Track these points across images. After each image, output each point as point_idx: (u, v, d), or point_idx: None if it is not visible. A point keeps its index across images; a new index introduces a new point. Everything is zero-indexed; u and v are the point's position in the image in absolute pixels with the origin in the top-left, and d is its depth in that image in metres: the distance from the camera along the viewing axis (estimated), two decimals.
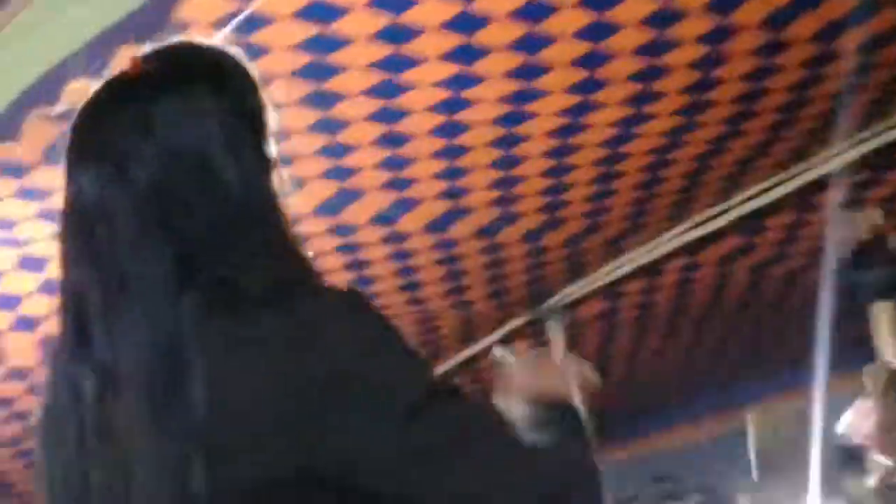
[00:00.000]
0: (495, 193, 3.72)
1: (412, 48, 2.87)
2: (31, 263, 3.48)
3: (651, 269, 4.70)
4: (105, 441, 1.29)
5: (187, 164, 1.28)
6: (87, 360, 1.30)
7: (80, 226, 1.32)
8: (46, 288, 3.54)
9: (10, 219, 3.24)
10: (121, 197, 1.28)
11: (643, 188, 3.91)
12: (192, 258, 1.27)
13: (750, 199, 4.17)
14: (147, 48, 1.37)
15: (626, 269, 4.62)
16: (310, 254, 1.37)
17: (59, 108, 2.00)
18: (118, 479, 1.28)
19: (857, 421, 3.92)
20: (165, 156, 1.28)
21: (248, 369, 1.24)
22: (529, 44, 2.94)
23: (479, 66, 3.00)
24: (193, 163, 1.28)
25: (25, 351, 3.93)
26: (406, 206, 3.66)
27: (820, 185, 4.06)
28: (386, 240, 3.87)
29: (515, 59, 3.00)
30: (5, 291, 3.61)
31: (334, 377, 1.21)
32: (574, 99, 3.24)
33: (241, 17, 2.53)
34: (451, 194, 3.64)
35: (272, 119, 1.37)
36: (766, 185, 4.13)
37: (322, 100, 3.02)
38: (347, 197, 3.53)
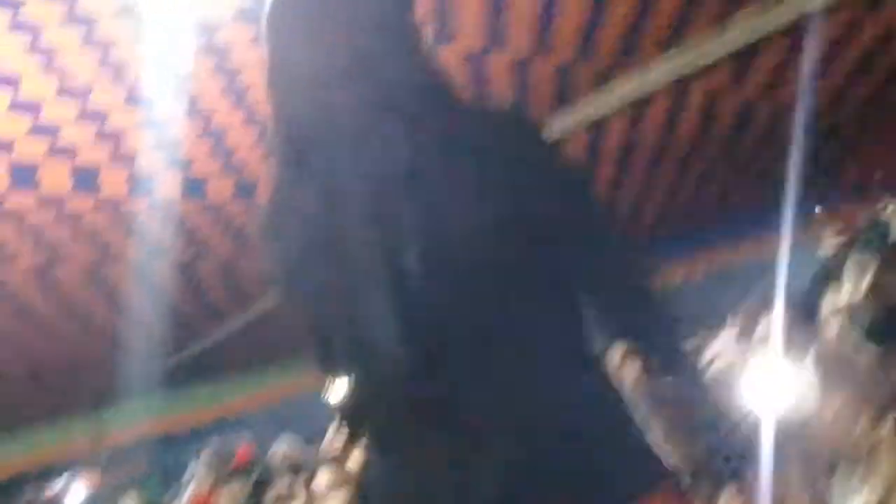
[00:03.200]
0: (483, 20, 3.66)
1: None
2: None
3: (638, 103, 4.67)
4: (329, 248, 1.55)
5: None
6: (310, 183, 1.57)
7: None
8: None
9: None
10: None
11: (635, 16, 3.85)
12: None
13: (740, 33, 4.11)
14: None
15: (614, 101, 4.58)
16: None
17: None
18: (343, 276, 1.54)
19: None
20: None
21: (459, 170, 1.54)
22: None
23: None
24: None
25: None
26: None
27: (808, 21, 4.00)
28: None
29: None
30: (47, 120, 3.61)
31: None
32: None
33: None
34: (435, 17, 3.58)
35: None
36: (757, 20, 4.07)
37: None
38: None
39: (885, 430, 2.86)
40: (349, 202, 1.56)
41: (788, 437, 2.97)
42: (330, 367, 1.62)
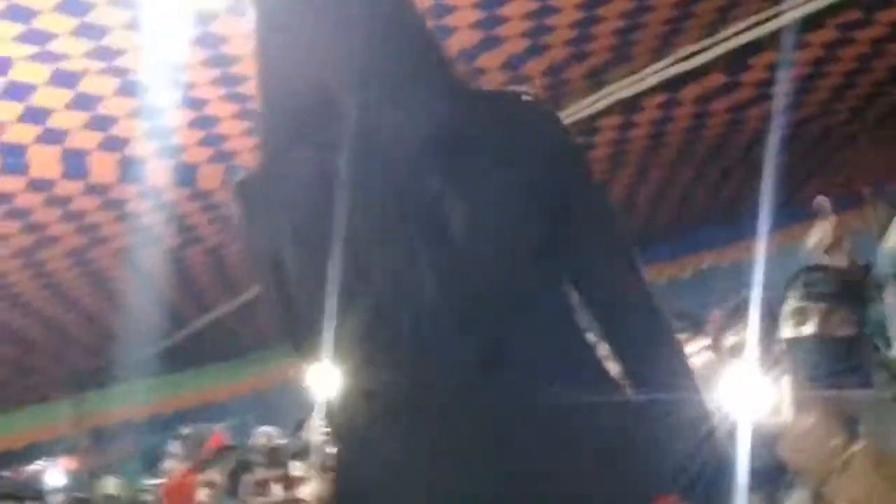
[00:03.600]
0: (478, 15, 3.67)
1: None
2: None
3: (630, 105, 4.69)
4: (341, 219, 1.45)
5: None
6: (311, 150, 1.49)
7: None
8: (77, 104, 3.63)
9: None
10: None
11: (630, 16, 3.86)
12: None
13: (737, 34, 4.13)
14: None
15: (606, 102, 4.59)
16: None
17: None
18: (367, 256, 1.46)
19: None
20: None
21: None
22: None
23: None
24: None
25: (48, 164, 3.98)
26: None
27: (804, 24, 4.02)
28: None
29: None
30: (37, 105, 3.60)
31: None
32: None
33: None
34: (432, 15, 3.59)
35: None
36: (752, 20, 4.09)
37: None
38: None
39: (857, 445, 2.88)
40: (373, 169, 1.47)
41: (761, 448, 2.99)
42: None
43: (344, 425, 1.61)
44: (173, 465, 5.55)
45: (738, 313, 3.34)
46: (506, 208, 1.47)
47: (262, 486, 4.22)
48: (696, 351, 3.86)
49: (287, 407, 7.65)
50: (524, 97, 1.59)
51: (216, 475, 4.83)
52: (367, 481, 1.55)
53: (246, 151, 4.55)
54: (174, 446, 5.55)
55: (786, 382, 2.95)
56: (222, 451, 5.27)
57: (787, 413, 2.92)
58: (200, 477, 4.99)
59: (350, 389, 1.55)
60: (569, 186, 1.54)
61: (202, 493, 4.90)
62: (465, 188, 1.45)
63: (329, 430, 1.66)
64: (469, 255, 1.45)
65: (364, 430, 1.56)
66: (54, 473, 8.76)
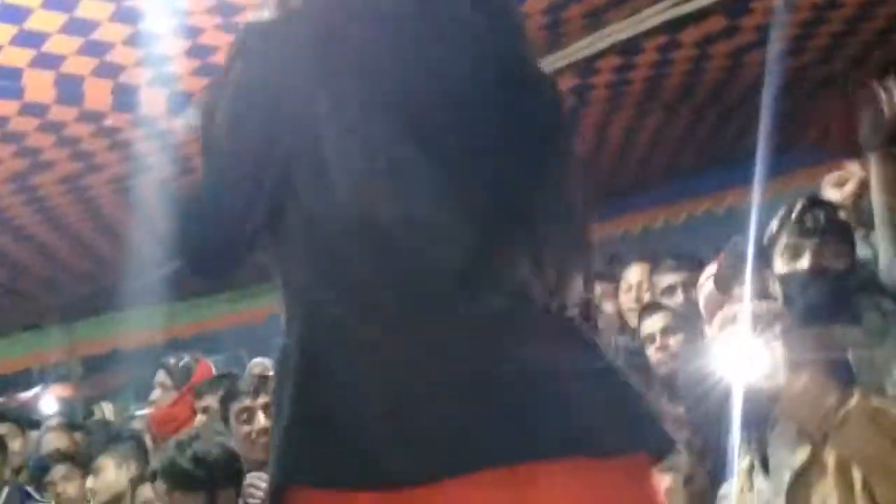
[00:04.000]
0: None
1: None
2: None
3: (630, 47, 4.66)
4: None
5: None
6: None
7: None
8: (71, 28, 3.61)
9: None
10: None
11: None
12: None
13: None
14: None
15: (605, 44, 4.56)
16: None
17: None
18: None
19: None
20: None
21: None
22: None
23: None
24: None
25: (43, 89, 3.98)
26: None
27: None
28: None
29: None
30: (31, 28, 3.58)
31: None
32: None
33: None
34: None
35: None
36: None
37: None
38: None
39: (852, 402, 2.90)
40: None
41: (756, 407, 3.02)
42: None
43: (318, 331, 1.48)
44: (160, 394, 5.59)
45: (738, 256, 3.35)
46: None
47: (247, 413, 4.26)
48: (700, 283, 3.87)
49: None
50: None
51: (212, 401, 4.88)
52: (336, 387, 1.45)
53: None
54: (161, 375, 5.59)
55: (778, 345, 2.97)
56: (216, 379, 5.31)
57: (781, 375, 2.94)
58: (198, 403, 5.03)
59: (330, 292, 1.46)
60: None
61: (197, 420, 4.95)
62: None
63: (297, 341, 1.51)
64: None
65: (342, 332, 1.46)
66: (48, 400, 8.81)
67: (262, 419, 4.18)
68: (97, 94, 4.27)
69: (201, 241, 1.53)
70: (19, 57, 3.87)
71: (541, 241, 1.51)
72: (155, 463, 3.68)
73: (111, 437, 4.56)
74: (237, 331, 8.88)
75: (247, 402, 4.29)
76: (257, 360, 6.16)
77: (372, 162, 1.42)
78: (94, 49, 3.96)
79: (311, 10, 1.50)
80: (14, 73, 3.98)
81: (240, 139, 1.47)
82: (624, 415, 1.46)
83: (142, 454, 4.50)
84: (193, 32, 4.02)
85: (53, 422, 5.90)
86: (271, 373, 5.50)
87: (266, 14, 1.52)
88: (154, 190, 5.29)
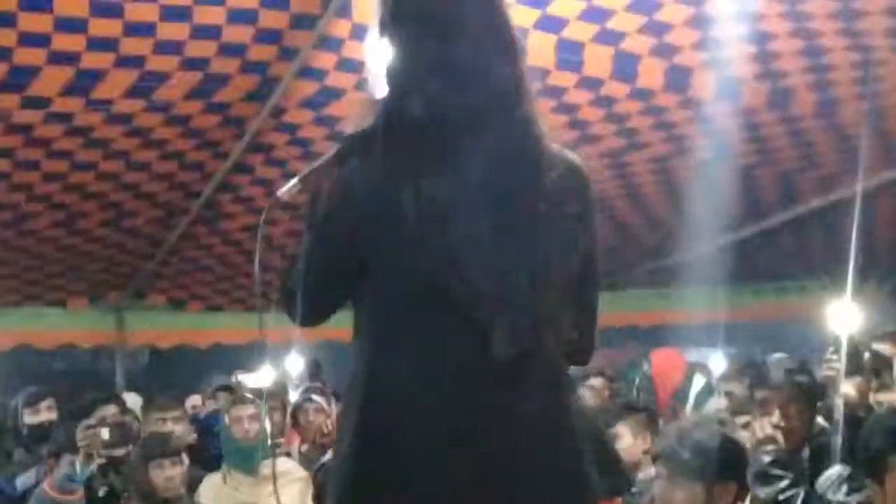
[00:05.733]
0: None
1: None
2: None
3: None
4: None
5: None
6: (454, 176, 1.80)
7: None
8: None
9: None
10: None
11: None
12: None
13: None
14: None
15: None
16: None
17: None
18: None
19: None
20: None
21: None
22: None
23: None
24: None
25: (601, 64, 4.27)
26: None
27: None
28: None
29: None
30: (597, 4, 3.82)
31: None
32: None
33: None
34: None
35: None
36: None
37: None
38: None
39: None
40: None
41: None
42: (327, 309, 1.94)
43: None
44: (650, 387, 5.70)
45: None
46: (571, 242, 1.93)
47: (765, 406, 4.26)
48: None
49: (797, 340, 7.48)
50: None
51: (737, 388, 4.95)
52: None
53: (797, 71, 4.44)
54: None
55: None
56: (744, 367, 5.34)
57: None
58: (721, 386, 5.13)
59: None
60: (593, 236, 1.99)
61: (716, 403, 5.05)
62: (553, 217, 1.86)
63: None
64: (549, 272, 1.86)
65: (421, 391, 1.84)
66: None
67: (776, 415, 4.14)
68: (650, 73, 4.40)
69: (303, 304, 1.91)
70: (583, 31, 4.08)
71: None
72: (656, 446, 3.71)
73: (628, 405, 4.68)
74: (755, 325, 8.75)
75: (768, 393, 4.30)
76: (777, 355, 6.09)
77: (446, 261, 1.80)
78: (654, 28, 4.08)
79: (399, 126, 1.85)
80: (576, 48, 4.20)
81: (334, 225, 1.87)
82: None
83: (655, 428, 4.58)
84: (753, 18, 4.00)
85: (592, 382, 6.12)
86: (791, 366, 5.45)
87: (362, 124, 1.90)
88: (690, 172, 5.36)
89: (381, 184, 1.82)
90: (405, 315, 1.85)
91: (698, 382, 5.61)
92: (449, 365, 1.81)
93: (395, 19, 1.91)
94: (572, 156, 1.96)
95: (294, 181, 1.96)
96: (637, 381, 5.99)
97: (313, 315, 1.94)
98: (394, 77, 1.88)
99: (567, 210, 1.89)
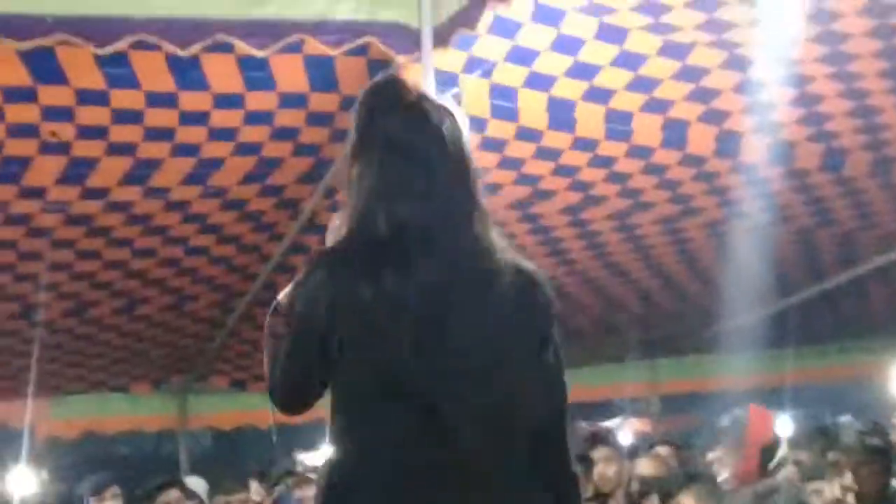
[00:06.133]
0: None
1: None
2: None
3: None
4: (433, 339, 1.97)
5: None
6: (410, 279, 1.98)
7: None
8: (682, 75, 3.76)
9: None
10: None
11: None
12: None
13: None
14: None
15: None
16: None
17: None
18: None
19: None
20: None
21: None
22: None
23: None
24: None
25: (651, 132, 4.21)
26: None
27: None
28: None
29: None
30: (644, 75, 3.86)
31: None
32: None
33: None
34: None
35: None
36: None
37: None
38: None
39: None
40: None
41: None
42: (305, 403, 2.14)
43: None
44: (742, 438, 5.58)
45: None
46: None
47: (836, 468, 4.16)
48: None
49: (863, 402, 7.34)
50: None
51: (804, 455, 4.85)
52: None
53: (849, 131, 4.41)
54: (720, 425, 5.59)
55: None
56: (814, 432, 5.23)
57: None
58: (790, 454, 5.03)
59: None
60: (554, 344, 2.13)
61: (781, 472, 4.94)
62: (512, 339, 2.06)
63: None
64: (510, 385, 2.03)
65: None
66: (626, 432, 9.16)
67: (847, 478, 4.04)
68: (701, 140, 4.40)
69: (282, 398, 2.16)
70: (631, 101, 4.11)
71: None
72: None
73: (692, 474, 4.62)
74: (820, 388, 8.61)
75: (840, 455, 4.20)
76: (847, 418, 5.97)
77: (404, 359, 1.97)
78: (702, 95, 4.09)
79: (363, 239, 2.07)
80: (626, 117, 4.22)
81: (307, 326, 2.06)
82: None
83: (718, 497, 4.51)
84: (802, 81, 4.00)
85: (658, 450, 6.08)
86: (863, 428, 5.33)
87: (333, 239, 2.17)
88: (747, 236, 5.32)
89: (347, 291, 2.01)
90: (370, 407, 2.02)
91: (784, 446, 5.53)
92: (411, 458, 1.97)
93: (363, 145, 2.14)
94: (527, 265, 2.15)
95: (292, 285, 2.17)
96: (728, 427, 5.90)
97: (293, 407, 2.18)
98: (360, 197, 2.10)
99: (519, 312, 2.06)
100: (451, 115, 2.16)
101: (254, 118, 3.95)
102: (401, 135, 2.11)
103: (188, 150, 4.08)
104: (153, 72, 3.55)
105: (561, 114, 4.11)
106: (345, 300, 2.01)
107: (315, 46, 3.45)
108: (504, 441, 2.00)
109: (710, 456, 6.14)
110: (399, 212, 2.04)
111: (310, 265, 2.11)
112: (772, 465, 5.14)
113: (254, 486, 6.56)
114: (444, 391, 1.96)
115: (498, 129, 4.15)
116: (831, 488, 4.05)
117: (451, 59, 3.61)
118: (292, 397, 2.15)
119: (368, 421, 2.02)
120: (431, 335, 1.98)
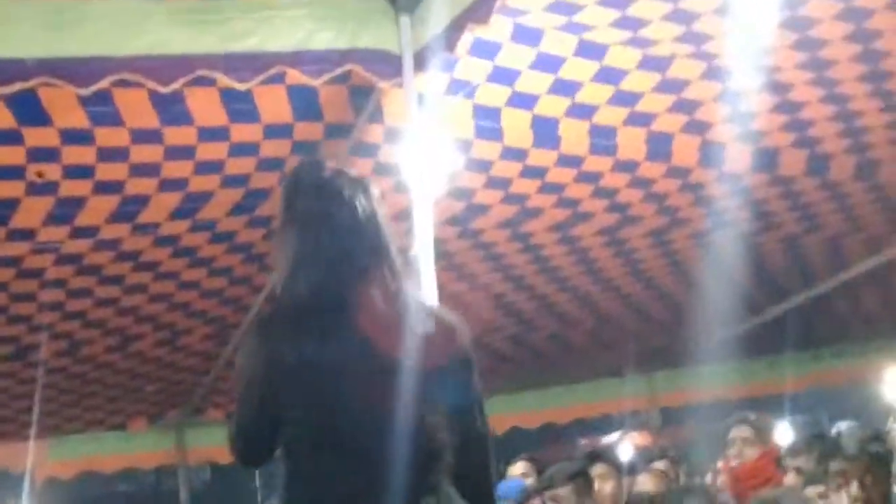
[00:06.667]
0: None
1: None
2: None
3: None
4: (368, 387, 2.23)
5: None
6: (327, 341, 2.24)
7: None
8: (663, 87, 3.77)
9: None
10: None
11: None
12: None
13: None
14: None
15: None
16: None
17: None
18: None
19: None
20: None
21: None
22: None
23: None
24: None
25: (635, 146, 4.24)
26: None
27: None
28: None
29: None
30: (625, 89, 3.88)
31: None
32: None
33: None
34: None
35: None
36: None
37: None
38: None
39: None
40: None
41: None
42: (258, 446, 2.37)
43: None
44: (739, 449, 5.57)
45: None
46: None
47: (842, 477, 4.12)
48: None
49: (859, 405, 7.34)
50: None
51: (805, 462, 4.83)
52: None
53: (832, 136, 4.43)
54: (744, 431, 5.57)
55: None
56: (813, 439, 5.21)
57: None
58: (790, 462, 5.00)
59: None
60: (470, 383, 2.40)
61: (789, 478, 4.92)
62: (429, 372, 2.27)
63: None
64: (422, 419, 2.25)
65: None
66: (626, 447, 9.13)
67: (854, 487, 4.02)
68: (685, 151, 4.42)
69: (240, 452, 2.39)
70: (614, 116, 4.13)
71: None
72: None
73: (686, 488, 4.63)
74: (817, 392, 8.62)
75: (844, 464, 4.17)
76: (846, 423, 5.96)
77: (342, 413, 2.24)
78: (684, 107, 4.11)
79: (288, 304, 2.36)
80: (610, 132, 4.24)
81: (249, 386, 2.33)
82: None
83: None
84: (782, 89, 4.03)
85: (656, 465, 6.06)
86: (864, 436, 5.32)
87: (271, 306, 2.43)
88: (735, 245, 5.33)
89: (277, 353, 2.26)
90: (308, 455, 2.26)
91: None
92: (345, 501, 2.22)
93: (287, 220, 2.43)
94: (447, 314, 2.42)
95: (238, 348, 2.51)
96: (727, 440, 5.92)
97: (250, 460, 2.45)
98: (286, 266, 2.36)
99: (433, 360, 2.27)
100: (366, 188, 2.42)
101: (239, 150, 3.96)
102: (315, 209, 2.38)
103: (175, 184, 4.08)
104: (137, 109, 3.57)
105: (545, 131, 4.13)
106: (276, 361, 2.26)
107: (297, 77, 3.46)
108: (427, 477, 2.24)
109: (710, 468, 6.15)
110: (315, 278, 2.31)
111: (249, 329, 2.44)
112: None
113: None
114: (366, 440, 2.20)
115: (483, 149, 4.18)
116: (839, 499, 4.05)
117: (433, 82, 3.63)
118: (247, 450, 2.39)
119: (303, 468, 2.26)
120: (352, 390, 2.21)
